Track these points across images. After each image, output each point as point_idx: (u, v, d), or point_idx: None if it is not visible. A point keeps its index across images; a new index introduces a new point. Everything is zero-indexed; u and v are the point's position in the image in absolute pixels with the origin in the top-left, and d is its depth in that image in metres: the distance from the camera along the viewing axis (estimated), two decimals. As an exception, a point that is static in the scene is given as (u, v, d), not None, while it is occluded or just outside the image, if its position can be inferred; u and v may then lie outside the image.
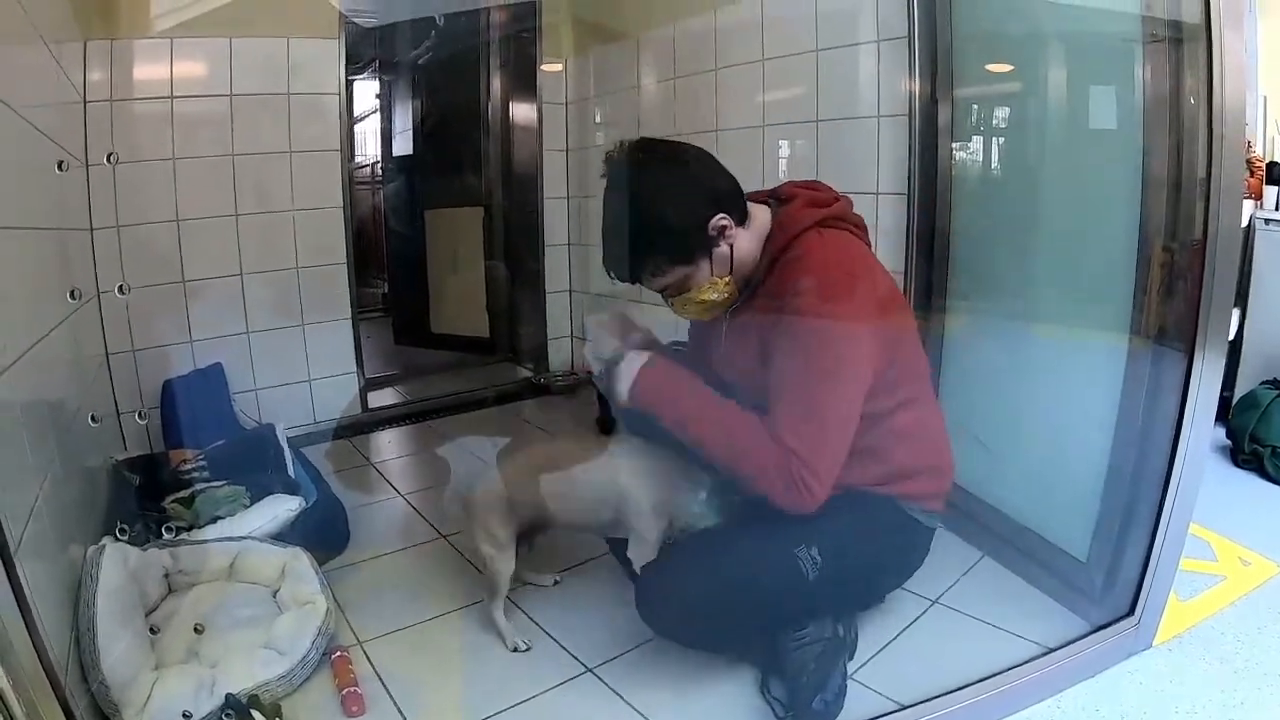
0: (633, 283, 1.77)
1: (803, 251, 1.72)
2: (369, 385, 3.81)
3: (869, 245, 1.87)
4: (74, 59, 2.61)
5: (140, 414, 2.86)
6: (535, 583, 2.24)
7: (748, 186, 1.81)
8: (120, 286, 2.70)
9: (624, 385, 1.79)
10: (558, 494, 2.00)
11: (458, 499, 2.23)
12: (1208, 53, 1.65)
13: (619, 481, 1.92)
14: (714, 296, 1.78)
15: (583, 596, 2.19)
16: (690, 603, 1.74)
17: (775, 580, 1.74)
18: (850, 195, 2.57)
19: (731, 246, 1.74)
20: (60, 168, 2.25)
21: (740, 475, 1.70)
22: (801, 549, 1.72)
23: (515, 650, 1.96)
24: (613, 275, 1.77)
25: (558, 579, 2.27)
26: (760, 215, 1.80)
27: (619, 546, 2.01)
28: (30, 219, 1.91)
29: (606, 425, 2.20)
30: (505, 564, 1.99)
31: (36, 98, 2.04)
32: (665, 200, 1.69)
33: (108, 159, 2.69)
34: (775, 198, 1.85)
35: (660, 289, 1.79)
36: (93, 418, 2.34)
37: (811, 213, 1.76)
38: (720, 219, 1.71)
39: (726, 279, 1.76)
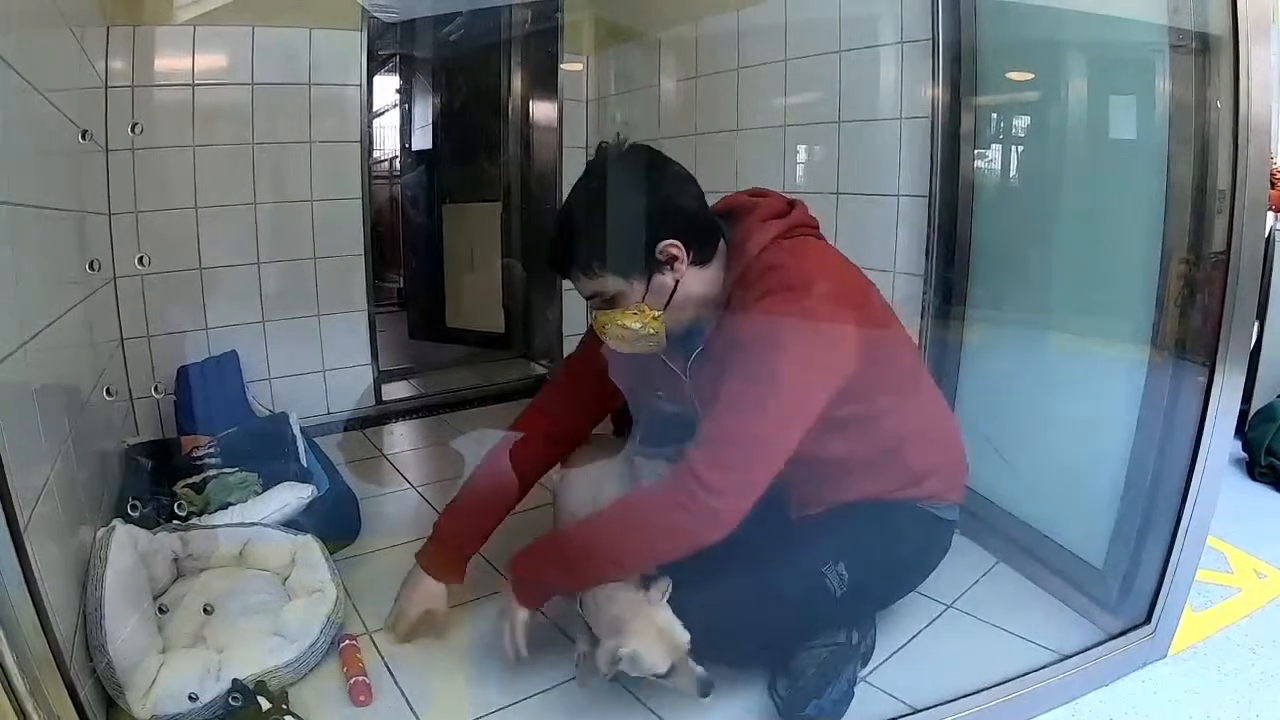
0: (564, 276, 1.66)
1: (756, 284, 1.61)
2: (383, 378, 3.80)
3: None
4: (97, 44, 2.61)
5: (156, 387, 2.87)
6: None
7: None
8: (140, 259, 2.70)
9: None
10: None
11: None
12: (1234, 64, 1.64)
13: None
14: (635, 325, 1.63)
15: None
16: (712, 624, 1.62)
17: (802, 601, 1.71)
18: (871, 196, 2.55)
19: (677, 283, 1.62)
20: (84, 137, 2.26)
21: (664, 548, 1.59)
22: (829, 567, 1.68)
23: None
24: (549, 263, 1.68)
25: None
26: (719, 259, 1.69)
27: None
28: (49, 200, 1.91)
29: (621, 425, 2.18)
30: None
31: (60, 81, 2.05)
32: (626, 203, 1.59)
33: (131, 129, 2.69)
34: (727, 216, 1.73)
35: (587, 294, 1.66)
36: (108, 391, 2.34)
37: (762, 235, 1.65)
38: (671, 245, 1.59)
39: (657, 314, 1.63)
